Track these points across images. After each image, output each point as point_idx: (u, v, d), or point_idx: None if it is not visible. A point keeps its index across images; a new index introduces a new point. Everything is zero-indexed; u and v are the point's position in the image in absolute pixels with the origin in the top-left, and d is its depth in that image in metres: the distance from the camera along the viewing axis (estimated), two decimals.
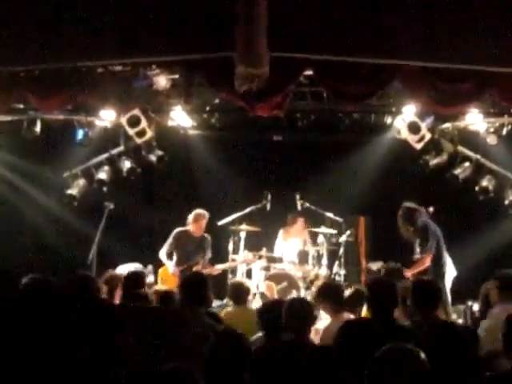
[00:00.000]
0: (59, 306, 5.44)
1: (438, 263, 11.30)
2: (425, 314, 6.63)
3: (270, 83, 8.93)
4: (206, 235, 12.76)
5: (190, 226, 12.68)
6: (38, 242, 13.65)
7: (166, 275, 12.33)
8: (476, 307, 9.59)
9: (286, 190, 13.88)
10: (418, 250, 11.41)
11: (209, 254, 12.70)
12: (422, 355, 4.07)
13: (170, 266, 12.40)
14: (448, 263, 11.42)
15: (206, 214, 12.72)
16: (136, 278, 8.81)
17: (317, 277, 12.92)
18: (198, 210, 12.73)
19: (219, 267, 12.81)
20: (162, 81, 10.61)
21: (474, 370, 4.91)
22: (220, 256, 13.41)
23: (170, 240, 12.61)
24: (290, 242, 13.70)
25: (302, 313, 6.44)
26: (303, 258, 13.28)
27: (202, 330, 6.41)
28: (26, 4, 9.23)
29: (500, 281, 7.87)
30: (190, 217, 12.68)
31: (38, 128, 12.10)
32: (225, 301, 11.36)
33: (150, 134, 12.16)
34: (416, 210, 11.57)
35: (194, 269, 12.00)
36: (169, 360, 5.61)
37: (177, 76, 10.46)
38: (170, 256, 12.59)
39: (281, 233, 13.89)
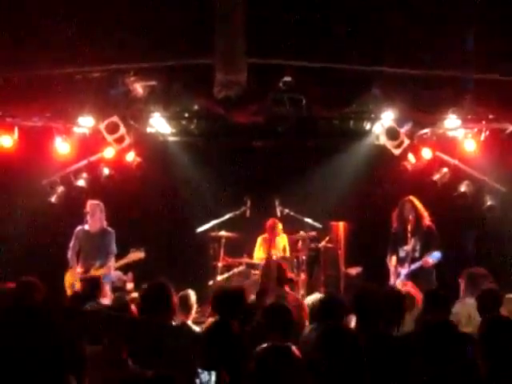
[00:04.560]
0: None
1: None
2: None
3: (249, 90, 8.95)
4: (107, 229, 12.14)
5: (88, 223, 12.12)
6: (20, 249, 13.50)
7: (71, 279, 11.83)
8: None
9: (265, 196, 13.83)
10: (417, 247, 11.45)
11: (113, 250, 12.02)
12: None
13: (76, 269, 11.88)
14: None
15: (101, 204, 12.16)
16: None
17: (296, 282, 12.91)
18: (90, 201, 12.17)
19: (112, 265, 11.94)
20: (139, 87, 10.60)
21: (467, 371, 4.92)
22: (200, 263, 13.38)
23: (72, 240, 12.11)
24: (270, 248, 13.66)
25: None
26: None
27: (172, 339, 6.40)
28: (1, 11, 9.19)
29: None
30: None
31: (16, 135, 12.05)
32: None
33: (128, 140, 12.14)
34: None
35: (93, 270, 11.61)
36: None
37: (154, 83, 10.44)
38: (78, 257, 12.04)
39: (259, 240, 13.86)
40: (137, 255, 11.93)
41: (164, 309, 6.70)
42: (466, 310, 7.91)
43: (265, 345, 4.31)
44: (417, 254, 11.44)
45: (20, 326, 3.67)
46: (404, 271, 11.39)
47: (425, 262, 11.27)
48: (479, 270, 8.81)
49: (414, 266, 11.33)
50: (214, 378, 6.27)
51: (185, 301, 8.59)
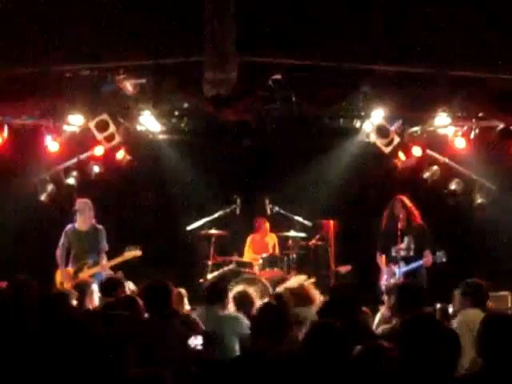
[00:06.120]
0: None
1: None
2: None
3: (239, 88, 8.94)
4: (97, 226, 12.04)
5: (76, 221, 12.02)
6: (9, 247, 13.45)
7: (61, 277, 11.74)
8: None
9: (255, 194, 13.86)
10: (412, 246, 11.47)
11: (105, 247, 11.93)
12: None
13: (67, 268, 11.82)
14: None
15: (89, 202, 12.04)
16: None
17: (284, 280, 12.89)
18: (79, 199, 12.08)
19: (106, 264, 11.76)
20: (129, 86, 10.57)
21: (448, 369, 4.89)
22: (190, 261, 13.37)
23: (61, 239, 12.02)
24: (259, 247, 13.68)
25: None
26: (273, 262, 13.24)
27: (175, 340, 6.37)
28: None
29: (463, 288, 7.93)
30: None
31: (5, 133, 12.00)
32: None
33: (118, 138, 12.11)
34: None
35: (86, 268, 11.56)
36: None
37: (144, 81, 10.42)
38: (68, 256, 11.97)
39: (249, 239, 13.86)
40: (133, 253, 11.70)
41: (164, 308, 6.69)
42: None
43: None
44: (411, 253, 11.45)
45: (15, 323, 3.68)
46: (399, 270, 11.36)
47: (426, 262, 11.26)
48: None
49: (414, 265, 11.30)
50: (200, 340, 6.31)
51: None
